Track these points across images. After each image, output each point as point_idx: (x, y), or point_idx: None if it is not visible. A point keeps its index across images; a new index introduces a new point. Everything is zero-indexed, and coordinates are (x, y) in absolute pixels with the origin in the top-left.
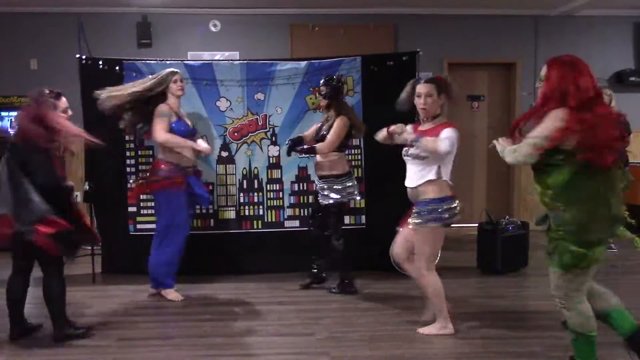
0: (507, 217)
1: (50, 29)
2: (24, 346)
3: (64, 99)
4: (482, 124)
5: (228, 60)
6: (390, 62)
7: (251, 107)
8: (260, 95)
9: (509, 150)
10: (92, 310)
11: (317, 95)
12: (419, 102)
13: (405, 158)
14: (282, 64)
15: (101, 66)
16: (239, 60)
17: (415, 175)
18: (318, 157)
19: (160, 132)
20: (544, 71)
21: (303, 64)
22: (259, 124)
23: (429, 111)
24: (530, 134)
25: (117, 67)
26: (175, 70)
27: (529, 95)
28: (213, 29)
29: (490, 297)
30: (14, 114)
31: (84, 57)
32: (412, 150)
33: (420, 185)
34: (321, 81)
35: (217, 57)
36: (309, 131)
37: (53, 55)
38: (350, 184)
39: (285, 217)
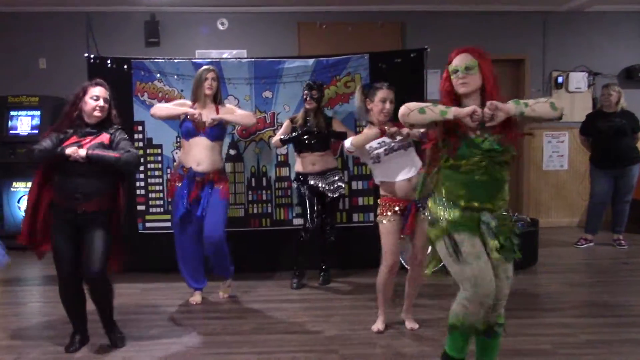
0: (517, 214)
1: (59, 28)
2: (32, 346)
3: (97, 87)
4: None
5: (236, 58)
6: (398, 59)
7: (259, 105)
8: (268, 93)
9: (552, 100)
10: None
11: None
12: (384, 108)
13: (389, 154)
14: (290, 61)
15: (109, 65)
16: (246, 58)
17: (410, 166)
18: (319, 154)
19: None
20: (470, 60)
21: (311, 61)
22: (267, 121)
23: (389, 117)
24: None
25: (125, 66)
26: (207, 67)
27: (538, 91)
28: (221, 27)
29: None
30: (23, 113)
31: (92, 56)
32: (398, 141)
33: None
34: (309, 84)
35: (224, 56)
36: (282, 130)
37: (62, 55)
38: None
39: (294, 214)
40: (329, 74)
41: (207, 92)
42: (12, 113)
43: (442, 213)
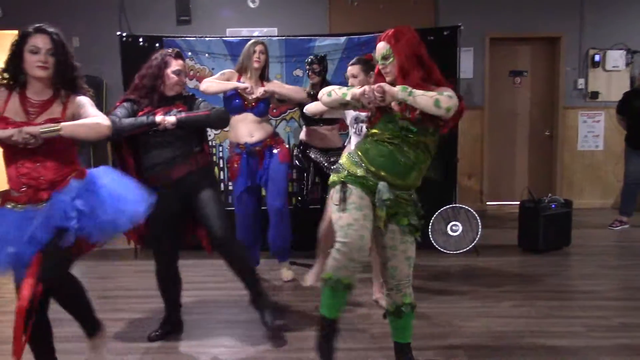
0: (550, 195)
1: (92, 7)
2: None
3: (179, 61)
4: (524, 100)
5: (266, 36)
6: (430, 37)
7: (290, 83)
8: (298, 72)
9: (440, 97)
10: (134, 284)
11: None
12: (351, 83)
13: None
14: (321, 39)
15: (141, 43)
16: (277, 36)
17: None
18: (327, 128)
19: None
20: (385, 50)
21: (342, 39)
22: None
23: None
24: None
25: (157, 44)
26: (256, 40)
27: (574, 70)
28: (252, 5)
29: (532, 276)
30: None
31: (124, 34)
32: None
33: None
34: (309, 59)
35: (255, 34)
36: None
37: (95, 33)
38: None
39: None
40: (360, 52)
41: (255, 65)
42: None
43: (348, 164)
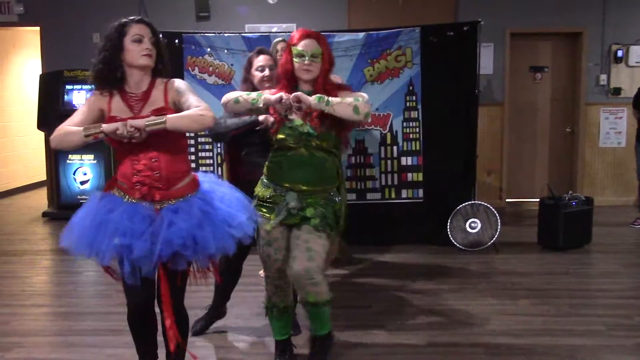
0: (570, 192)
1: (112, 3)
2: (87, 313)
3: (261, 57)
4: (544, 96)
5: (285, 32)
6: (450, 32)
7: None
8: None
9: (357, 103)
10: None
11: (374, 67)
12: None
13: None
14: (340, 35)
15: (161, 39)
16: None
17: None
18: None
19: None
20: (316, 47)
21: (361, 35)
22: None
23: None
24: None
25: (176, 40)
26: (279, 39)
27: (596, 65)
28: (270, 1)
29: (552, 274)
30: (78, 86)
31: None
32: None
33: None
34: None
35: (274, 30)
36: None
37: None
38: None
39: None
40: (379, 48)
41: None
42: (67, 87)
43: (258, 190)
